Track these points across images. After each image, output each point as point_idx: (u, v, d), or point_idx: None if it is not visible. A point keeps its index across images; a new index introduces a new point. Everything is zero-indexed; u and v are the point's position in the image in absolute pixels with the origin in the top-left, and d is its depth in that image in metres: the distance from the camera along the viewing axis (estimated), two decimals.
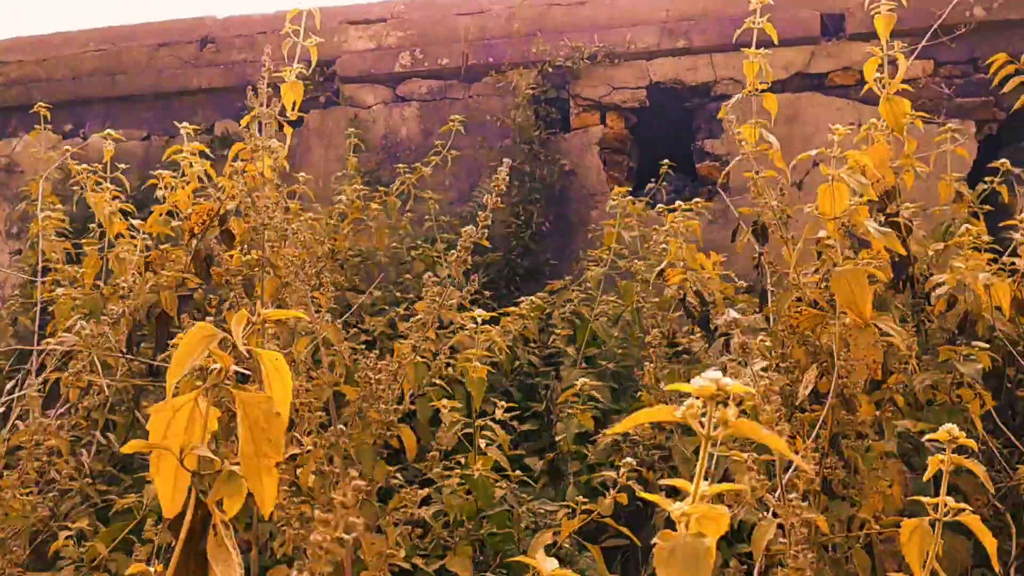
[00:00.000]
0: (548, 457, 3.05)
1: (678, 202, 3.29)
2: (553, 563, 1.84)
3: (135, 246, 3.16)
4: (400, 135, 5.85)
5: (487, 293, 4.78)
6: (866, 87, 2.86)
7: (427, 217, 4.92)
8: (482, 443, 2.77)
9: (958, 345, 2.67)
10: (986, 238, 3.13)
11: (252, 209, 2.31)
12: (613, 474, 2.26)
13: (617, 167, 5.76)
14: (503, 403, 2.74)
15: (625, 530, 2.33)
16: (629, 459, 2.13)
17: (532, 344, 3.90)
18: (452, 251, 5.27)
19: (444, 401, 2.57)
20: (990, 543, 1.29)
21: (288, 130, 3.20)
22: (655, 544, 0.85)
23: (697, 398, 0.83)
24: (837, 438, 2.00)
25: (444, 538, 2.52)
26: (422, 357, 2.21)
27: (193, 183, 2.98)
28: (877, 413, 2.11)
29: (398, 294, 4.26)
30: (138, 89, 6.14)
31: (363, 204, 4.27)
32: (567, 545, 2.48)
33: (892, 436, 2.17)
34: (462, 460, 2.76)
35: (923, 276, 2.76)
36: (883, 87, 2.69)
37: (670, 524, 2.49)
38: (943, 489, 1.28)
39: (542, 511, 2.60)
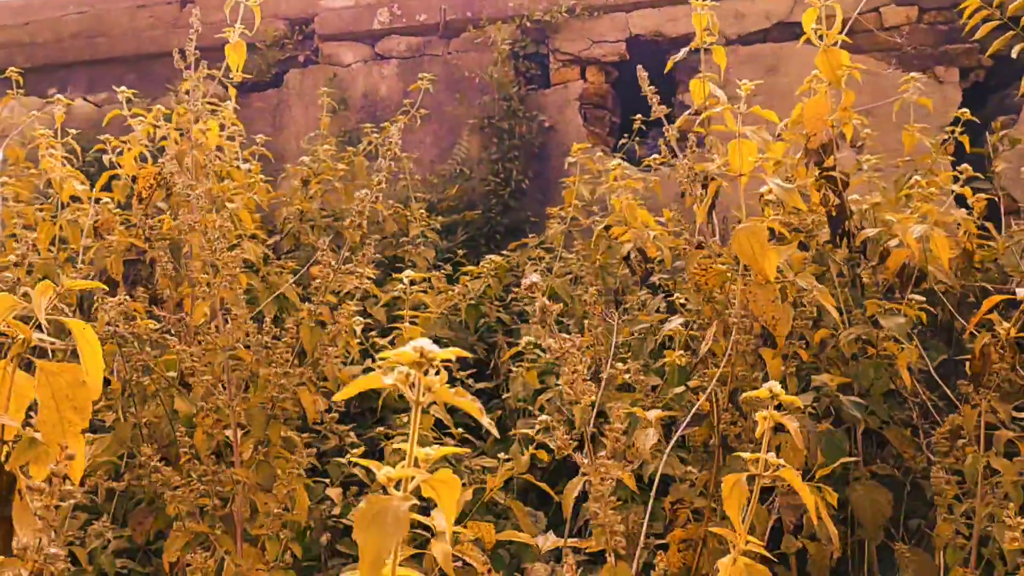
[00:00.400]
0: (497, 414, 3.08)
1: (616, 160, 3.27)
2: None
3: (88, 211, 3.18)
4: (379, 93, 5.83)
5: (460, 252, 4.80)
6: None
7: (401, 176, 4.92)
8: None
9: (899, 299, 2.66)
10: (938, 189, 3.10)
11: (175, 174, 2.33)
12: (528, 431, 2.28)
13: (598, 122, 5.72)
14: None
15: (543, 485, 2.36)
16: (545, 417, 2.15)
17: (498, 303, 3.91)
18: (432, 212, 5.30)
19: (380, 362, 2.59)
20: (807, 498, 1.30)
21: (232, 91, 3.20)
22: (359, 508, 0.87)
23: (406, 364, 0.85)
24: (736, 393, 2.01)
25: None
26: (317, 321, 2.23)
27: (136, 148, 3.00)
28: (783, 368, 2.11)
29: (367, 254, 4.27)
30: (120, 52, 6.15)
31: (331, 164, 4.27)
32: (501, 501, 2.52)
33: (794, 391, 2.18)
34: (405, 419, 2.80)
35: (857, 229, 2.74)
36: (821, 38, 2.65)
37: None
38: (764, 446, 1.29)
39: (478, 467, 2.63)
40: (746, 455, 1.28)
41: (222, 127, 3.40)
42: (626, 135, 5.04)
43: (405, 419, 2.72)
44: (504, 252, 4.06)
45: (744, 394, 1.39)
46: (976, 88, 5.28)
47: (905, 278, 2.66)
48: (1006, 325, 1.99)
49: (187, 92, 2.91)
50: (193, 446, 1.95)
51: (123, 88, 3.37)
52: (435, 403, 0.89)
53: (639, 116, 4.93)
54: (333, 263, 2.25)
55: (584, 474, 1.51)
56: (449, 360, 0.86)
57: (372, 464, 0.93)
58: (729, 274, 2.09)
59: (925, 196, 2.98)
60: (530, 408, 3.05)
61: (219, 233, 2.08)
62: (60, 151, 3.27)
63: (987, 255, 3.18)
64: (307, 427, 3.28)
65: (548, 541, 1.94)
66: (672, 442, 1.90)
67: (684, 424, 1.94)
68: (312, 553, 2.66)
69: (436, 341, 3.86)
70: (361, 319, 2.93)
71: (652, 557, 1.97)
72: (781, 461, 1.24)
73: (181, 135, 2.85)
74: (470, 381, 3.42)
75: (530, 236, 4.24)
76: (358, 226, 2.28)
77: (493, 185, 5.39)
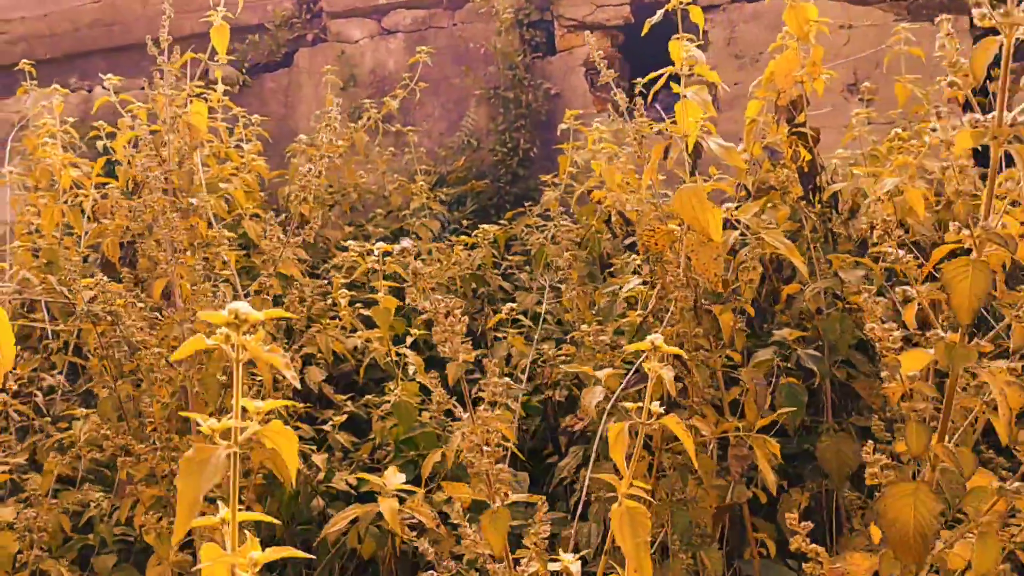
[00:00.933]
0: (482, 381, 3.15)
1: (596, 124, 3.29)
2: (400, 478, 1.96)
3: (91, 196, 3.30)
4: (387, 68, 5.89)
5: (465, 223, 4.85)
6: None
7: (407, 150, 4.98)
8: (410, 370, 2.88)
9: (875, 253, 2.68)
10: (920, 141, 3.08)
11: (135, 156, 2.43)
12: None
13: (605, 88, 5.71)
14: (416, 331, 2.84)
15: (509, 446, 2.42)
16: (507, 379, 2.21)
17: (495, 271, 3.97)
18: (441, 184, 5.38)
19: (361, 332, 2.68)
20: (688, 442, 1.35)
21: (218, 73, 3.29)
22: (185, 456, 0.94)
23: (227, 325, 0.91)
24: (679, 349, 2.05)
25: (364, 460, 2.65)
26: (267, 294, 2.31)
27: (126, 133, 3.10)
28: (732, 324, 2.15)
29: (370, 228, 4.36)
30: (134, 38, 6.26)
31: (331, 141, 4.34)
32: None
33: (743, 345, 2.21)
34: (391, 385, 2.88)
35: (828, 184, 2.75)
36: None
37: (580, 440, 2.54)
38: (648, 395, 1.33)
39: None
40: (629, 404, 1.34)
41: (213, 110, 3.49)
42: (628, 99, 5.04)
43: (391, 386, 2.80)
44: (501, 221, 4.11)
45: (628, 345, 1.44)
46: (988, 35, 5.18)
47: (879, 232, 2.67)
48: None
49: (162, 77, 2.99)
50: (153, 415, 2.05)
51: (109, 75, 3.47)
52: (251, 362, 0.95)
53: (639, 80, 4.93)
54: (280, 236, 2.32)
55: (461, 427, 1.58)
56: (261, 321, 0.92)
57: (199, 416, 1.00)
58: (677, 234, 2.13)
59: (906, 148, 2.96)
60: (518, 375, 3.11)
61: (175, 213, 2.17)
62: (61, 139, 3.38)
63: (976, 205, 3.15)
64: (309, 397, 3.39)
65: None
66: (614, 399, 1.96)
67: (626, 381, 1.99)
68: (305, 516, 2.76)
69: None
70: (347, 291, 3.02)
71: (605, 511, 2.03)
72: (662, 410, 1.29)
73: (168, 119, 2.94)
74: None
75: (526, 204, 4.28)
76: (303, 200, 2.35)
77: (501, 155, 5.44)
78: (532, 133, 5.48)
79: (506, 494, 1.53)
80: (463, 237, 3.74)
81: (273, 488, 2.50)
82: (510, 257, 3.87)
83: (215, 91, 3.34)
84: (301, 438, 3.07)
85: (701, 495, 2.03)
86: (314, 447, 2.76)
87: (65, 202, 3.24)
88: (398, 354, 2.89)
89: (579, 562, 1.28)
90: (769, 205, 2.90)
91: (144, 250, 2.51)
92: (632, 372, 2.00)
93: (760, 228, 2.44)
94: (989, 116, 1.61)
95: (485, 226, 3.79)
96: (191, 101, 3.09)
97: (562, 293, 2.83)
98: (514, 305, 2.96)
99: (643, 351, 2.09)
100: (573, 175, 4.04)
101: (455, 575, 1.55)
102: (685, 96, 2.08)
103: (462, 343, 1.59)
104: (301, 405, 3.11)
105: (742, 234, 2.41)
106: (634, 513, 1.29)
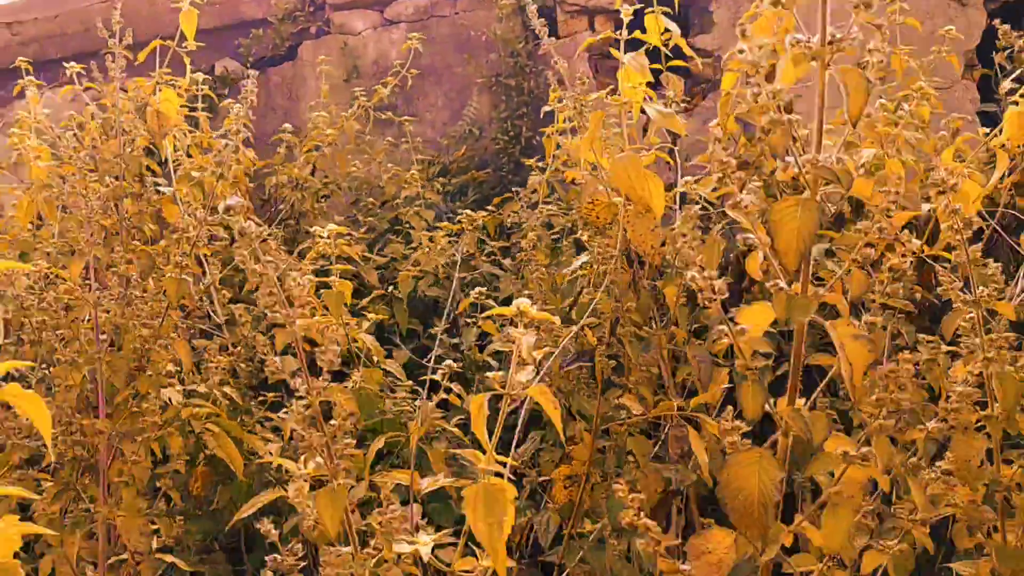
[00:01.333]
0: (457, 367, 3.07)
1: (564, 102, 3.19)
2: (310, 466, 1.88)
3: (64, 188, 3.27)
4: (390, 59, 5.83)
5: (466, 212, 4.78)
6: None
7: (404, 140, 4.93)
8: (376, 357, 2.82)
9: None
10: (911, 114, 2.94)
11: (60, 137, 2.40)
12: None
13: (609, 72, 5.62)
14: (373, 316, 2.77)
15: (456, 431, 2.34)
16: (450, 362, 2.13)
17: (484, 258, 3.90)
18: (444, 173, 5.32)
19: (319, 319, 2.62)
20: (554, 416, 1.26)
21: (186, 59, 3.26)
22: None
23: None
24: (615, 325, 1.95)
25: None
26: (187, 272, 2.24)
27: (92, 124, 3.07)
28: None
29: (360, 218, 4.32)
30: (142, 36, 6.23)
31: (322, 131, 4.30)
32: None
33: (684, 322, 2.10)
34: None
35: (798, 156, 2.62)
36: None
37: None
38: (514, 363, 1.25)
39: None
40: (491, 374, 1.25)
41: (194, 99, 3.46)
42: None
43: (355, 374, 2.74)
44: (489, 207, 4.04)
45: (490, 311, 1.36)
46: (1006, 8, 4.99)
47: (856, 205, 2.55)
48: (916, 242, 1.88)
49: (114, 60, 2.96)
50: (66, 400, 2.01)
51: (72, 63, 3.45)
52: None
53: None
54: (199, 214, 2.27)
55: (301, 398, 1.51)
56: None
57: None
58: (619, 207, 2.03)
59: (889, 121, 2.83)
60: (489, 360, 3.04)
61: (97, 195, 2.13)
62: (38, 133, 3.37)
63: None
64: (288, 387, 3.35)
65: (426, 483, 1.93)
66: (539, 376, 1.86)
67: (569, 359, 1.91)
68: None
69: (422, 298, 3.85)
70: (313, 278, 2.95)
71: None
72: (525, 380, 1.21)
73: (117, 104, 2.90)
74: (443, 336, 3.43)
75: (514, 190, 4.21)
76: (220, 176, 2.29)
77: (503, 143, 5.37)
78: (534, 121, 5.40)
79: (347, 471, 1.45)
80: (446, 224, 3.67)
81: (226, 477, 2.46)
82: (492, 243, 3.79)
83: (182, 80, 3.30)
84: (276, 429, 3.04)
85: (640, 478, 1.93)
86: (271, 435, 2.71)
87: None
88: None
89: (431, 545, 1.19)
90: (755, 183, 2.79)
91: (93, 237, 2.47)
92: (560, 348, 1.91)
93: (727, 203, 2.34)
94: (815, 38, 1.46)
95: (469, 212, 3.71)
96: (160, 89, 3.05)
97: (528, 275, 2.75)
98: (483, 289, 2.88)
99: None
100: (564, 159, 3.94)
101: (302, 558, 1.47)
102: (623, 63, 1.99)
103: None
104: (271, 395, 3.08)
105: (703, 208, 2.31)
106: (491, 491, 1.20)
